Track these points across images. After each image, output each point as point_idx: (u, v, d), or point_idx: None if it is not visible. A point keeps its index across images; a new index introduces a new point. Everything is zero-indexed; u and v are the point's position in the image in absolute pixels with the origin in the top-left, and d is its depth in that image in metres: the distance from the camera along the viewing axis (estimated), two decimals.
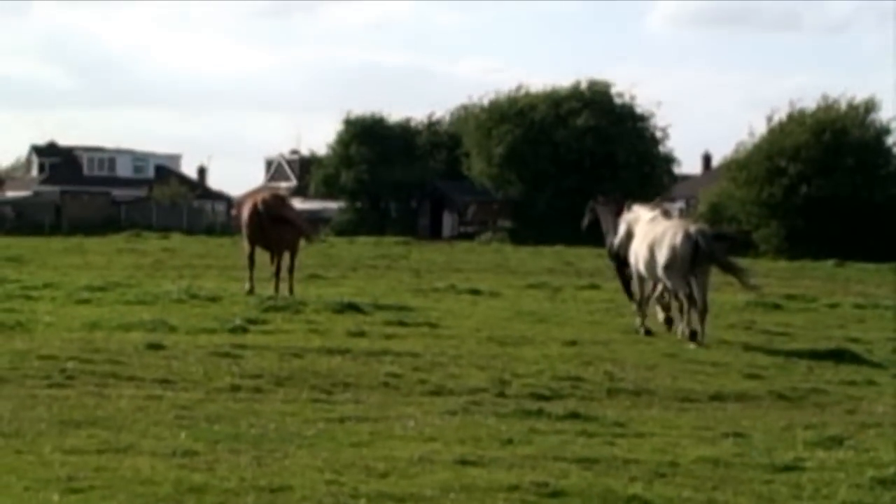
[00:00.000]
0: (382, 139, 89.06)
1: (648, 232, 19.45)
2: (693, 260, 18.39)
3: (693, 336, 18.30)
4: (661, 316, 20.16)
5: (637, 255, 19.64)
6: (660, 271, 18.92)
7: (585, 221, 23.29)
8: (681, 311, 19.14)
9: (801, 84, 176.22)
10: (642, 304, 20.13)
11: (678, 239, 18.57)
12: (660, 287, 19.79)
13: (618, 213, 21.96)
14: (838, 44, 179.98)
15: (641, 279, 20.04)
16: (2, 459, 9.18)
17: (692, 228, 18.90)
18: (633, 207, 20.88)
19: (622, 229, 20.76)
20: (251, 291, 23.33)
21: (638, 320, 19.96)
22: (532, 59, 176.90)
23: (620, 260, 21.34)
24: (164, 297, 22.26)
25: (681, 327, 19.01)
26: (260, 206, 23.75)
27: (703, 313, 18.45)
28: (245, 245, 24.58)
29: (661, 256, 18.72)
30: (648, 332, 19.49)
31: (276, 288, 23.48)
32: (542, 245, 58.77)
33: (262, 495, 8.37)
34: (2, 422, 10.57)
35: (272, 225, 23.58)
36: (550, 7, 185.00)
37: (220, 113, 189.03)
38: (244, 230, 24.37)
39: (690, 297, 18.55)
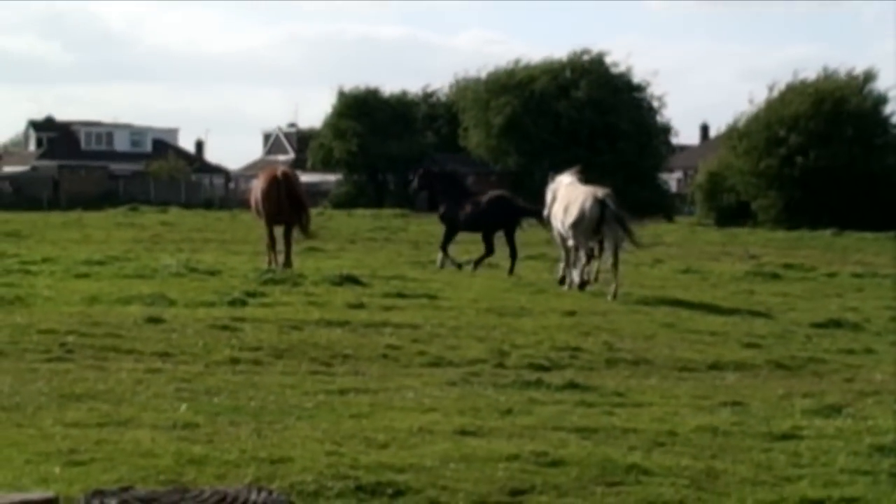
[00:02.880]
0: (376, 112, 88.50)
1: (566, 195, 21.75)
2: (600, 220, 20.78)
3: (583, 286, 21.03)
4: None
5: (556, 216, 21.94)
6: (568, 227, 21.23)
7: (417, 190, 27.80)
8: (570, 264, 21.92)
9: (799, 54, 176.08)
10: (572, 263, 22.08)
11: (588, 202, 20.89)
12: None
13: (451, 184, 26.41)
14: (836, 14, 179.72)
15: (561, 236, 22.06)
16: (2, 433, 9.18)
17: (600, 193, 21.07)
18: (555, 178, 22.93)
19: (548, 197, 22.63)
20: (270, 268, 22.99)
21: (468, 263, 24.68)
22: (530, 31, 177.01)
23: (453, 224, 25.54)
24: (162, 270, 22.23)
25: (574, 275, 21.41)
26: (280, 177, 23.82)
27: (615, 266, 20.72)
28: (263, 222, 24.30)
29: (570, 216, 21.13)
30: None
31: (282, 261, 23.46)
32: None
33: (262, 467, 8.37)
34: (2, 396, 10.57)
35: (287, 198, 23.57)
36: None
37: (217, 87, 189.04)
38: (261, 203, 24.08)
39: (590, 256, 21.35)
